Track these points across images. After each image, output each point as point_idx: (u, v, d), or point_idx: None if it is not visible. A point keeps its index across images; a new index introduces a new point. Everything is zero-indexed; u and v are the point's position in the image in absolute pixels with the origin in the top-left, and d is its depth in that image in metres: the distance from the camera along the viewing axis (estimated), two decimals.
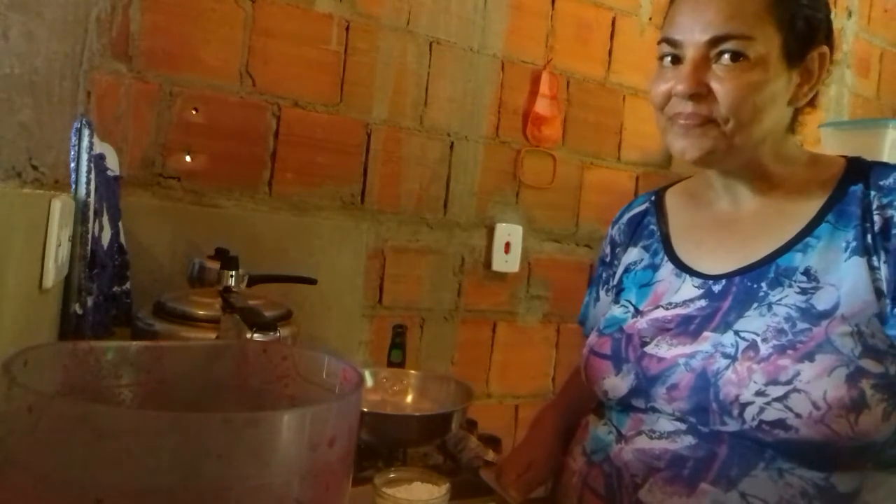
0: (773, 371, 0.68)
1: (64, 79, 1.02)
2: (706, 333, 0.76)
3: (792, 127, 0.82)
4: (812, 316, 0.70)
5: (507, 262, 1.61)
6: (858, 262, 0.71)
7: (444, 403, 1.10)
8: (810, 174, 0.81)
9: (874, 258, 0.71)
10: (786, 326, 0.71)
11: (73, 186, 0.90)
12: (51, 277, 0.77)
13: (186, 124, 1.27)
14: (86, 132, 0.90)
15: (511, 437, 1.60)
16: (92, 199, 0.91)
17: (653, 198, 0.97)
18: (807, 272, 0.74)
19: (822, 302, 0.71)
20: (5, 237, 0.64)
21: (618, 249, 0.98)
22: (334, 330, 1.40)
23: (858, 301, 0.70)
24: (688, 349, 0.76)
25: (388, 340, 1.36)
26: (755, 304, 0.74)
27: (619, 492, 0.76)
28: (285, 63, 1.34)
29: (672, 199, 0.95)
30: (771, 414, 0.67)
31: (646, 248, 0.92)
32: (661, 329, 0.80)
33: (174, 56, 1.25)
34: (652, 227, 0.93)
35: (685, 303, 0.81)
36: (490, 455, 1.04)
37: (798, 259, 0.75)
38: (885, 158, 1.80)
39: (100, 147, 0.99)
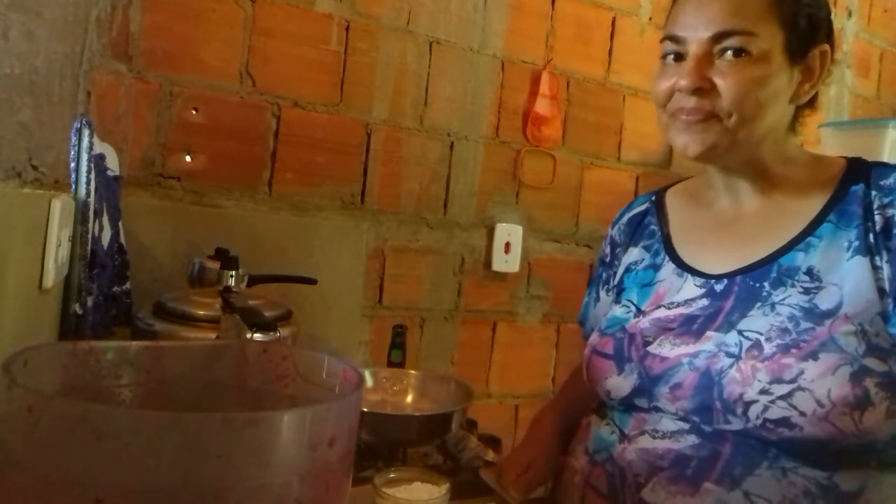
0: (778, 370, 0.68)
1: (64, 79, 1.02)
2: (709, 333, 0.76)
3: (793, 127, 0.83)
4: (815, 315, 0.71)
5: (507, 262, 1.61)
6: (861, 262, 0.72)
7: (444, 403, 1.10)
8: (811, 174, 0.81)
9: (877, 258, 0.71)
10: (789, 326, 0.71)
11: (73, 186, 0.90)
12: (51, 277, 0.77)
13: (186, 124, 1.27)
14: (86, 132, 0.90)
15: (511, 437, 1.60)
16: (92, 199, 0.91)
17: (653, 198, 0.97)
18: (809, 271, 0.74)
19: (825, 301, 0.71)
20: (5, 237, 0.64)
21: (618, 249, 0.98)
22: (334, 330, 1.40)
23: (861, 300, 0.70)
24: (691, 348, 0.76)
25: (388, 340, 1.36)
26: (758, 304, 0.75)
27: (623, 491, 0.76)
28: (285, 63, 1.34)
29: (672, 200, 0.95)
30: (775, 412, 0.68)
31: (646, 249, 0.92)
32: (664, 329, 0.80)
33: (174, 56, 1.25)
34: (652, 227, 0.93)
35: (687, 302, 0.81)
36: (490, 455, 1.04)
37: (800, 258, 0.75)
38: (885, 158, 1.80)
39: (100, 147, 0.99)
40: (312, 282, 1.25)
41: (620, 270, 0.95)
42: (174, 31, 1.24)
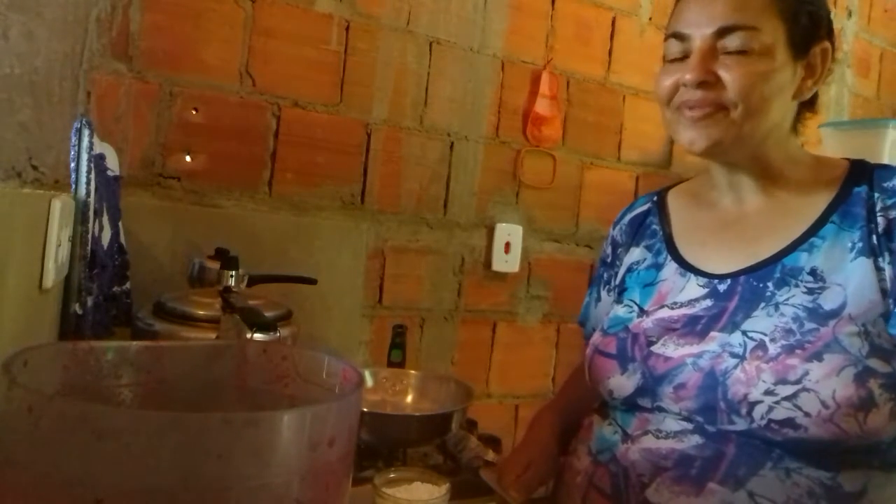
0: (782, 370, 0.68)
1: (64, 79, 1.02)
2: (713, 333, 0.76)
3: (794, 128, 0.84)
4: (819, 316, 0.71)
5: (507, 262, 1.61)
6: (864, 263, 0.72)
7: (444, 403, 1.10)
8: (814, 175, 0.82)
9: (879, 259, 0.72)
10: (793, 326, 0.71)
11: (73, 186, 0.90)
12: (51, 277, 0.77)
13: (186, 124, 1.27)
14: (86, 132, 0.90)
15: (511, 437, 1.60)
16: (92, 199, 0.91)
17: (655, 198, 0.98)
18: (813, 272, 0.74)
19: (828, 302, 0.71)
20: (5, 237, 0.64)
21: (619, 250, 0.98)
22: (334, 330, 1.40)
23: (865, 301, 0.70)
24: (695, 349, 0.76)
25: (388, 340, 1.36)
26: (762, 304, 0.75)
27: (626, 491, 0.76)
28: (285, 63, 1.34)
29: (674, 200, 0.96)
30: (780, 413, 0.68)
31: (648, 248, 0.92)
32: (668, 329, 0.80)
33: (174, 56, 1.25)
34: (654, 226, 0.93)
35: (690, 302, 0.81)
36: (490, 455, 1.04)
37: (804, 259, 0.75)
38: (886, 158, 1.80)
39: (100, 147, 0.99)
40: (312, 282, 1.25)
41: (622, 270, 0.94)
42: (174, 31, 1.24)
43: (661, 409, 0.78)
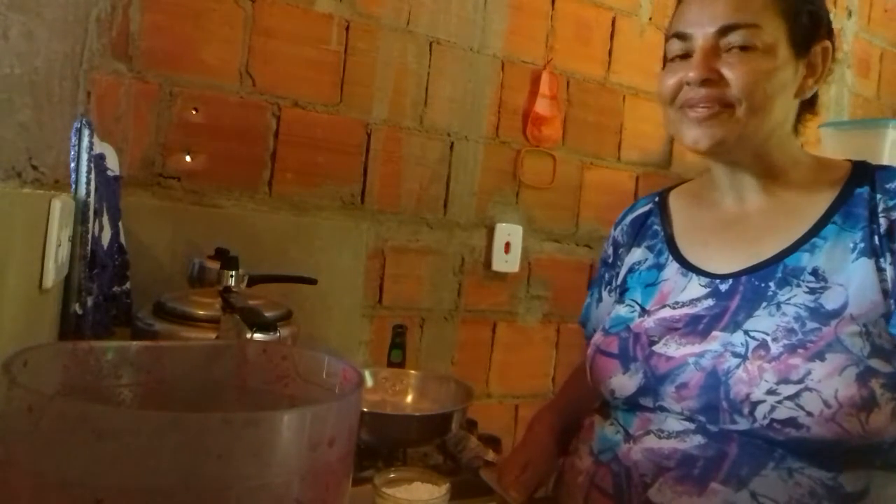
0: (785, 370, 0.69)
1: (64, 79, 1.02)
2: (715, 333, 0.76)
3: (795, 128, 0.84)
4: (821, 315, 0.71)
5: (507, 262, 1.61)
6: (866, 264, 0.72)
7: (444, 403, 1.10)
8: (816, 175, 0.82)
9: (881, 260, 0.72)
10: (795, 326, 0.71)
11: (73, 186, 0.90)
12: (51, 277, 0.77)
13: (186, 124, 1.27)
14: (86, 132, 0.90)
15: (511, 437, 1.60)
16: (92, 199, 0.91)
17: (656, 199, 0.98)
18: (815, 272, 0.74)
19: (830, 301, 0.72)
20: (5, 237, 0.64)
21: (620, 250, 0.98)
22: (334, 330, 1.40)
23: (867, 301, 0.71)
24: (697, 348, 0.76)
25: (388, 340, 1.36)
26: (764, 304, 0.75)
27: (629, 491, 0.76)
28: (285, 63, 1.34)
29: (676, 201, 0.96)
30: (782, 412, 0.68)
31: (650, 249, 0.92)
32: (669, 328, 0.80)
33: (174, 56, 1.25)
34: (656, 227, 0.94)
35: (692, 302, 0.81)
36: (490, 455, 1.04)
37: (805, 259, 0.76)
38: (886, 158, 1.80)
39: (100, 147, 0.99)
40: (312, 282, 1.25)
41: (623, 271, 0.95)
42: (174, 31, 1.24)
43: (662, 409, 0.78)
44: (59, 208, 0.78)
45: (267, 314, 0.96)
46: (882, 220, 0.74)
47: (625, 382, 0.81)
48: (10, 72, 0.74)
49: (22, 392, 0.43)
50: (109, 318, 1.03)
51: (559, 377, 1.71)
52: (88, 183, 0.90)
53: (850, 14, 2.15)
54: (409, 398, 1.16)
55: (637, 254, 0.93)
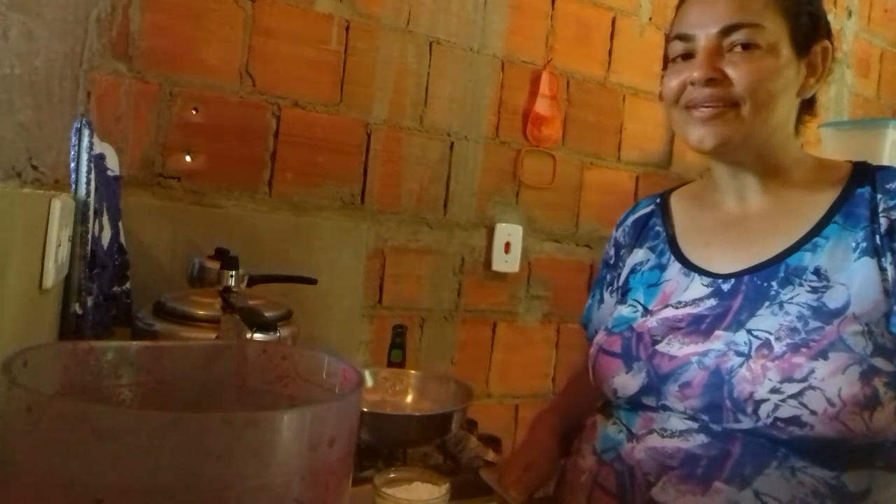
0: (788, 369, 0.69)
1: (64, 79, 1.02)
2: (718, 332, 0.76)
3: (796, 129, 0.85)
4: (824, 314, 0.71)
5: (507, 262, 1.61)
6: (868, 263, 0.73)
7: (444, 403, 1.10)
8: (817, 176, 0.83)
9: (883, 259, 0.72)
10: (798, 325, 0.71)
11: (73, 186, 0.90)
12: (51, 277, 0.77)
13: (186, 124, 1.27)
14: (86, 132, 0.90)
15: (511, 437, 1.60)
16: (92, 199, 0.91)
17: (658, 200, 0.98)
18: (817, 271, 0.75)
19: (833, 300, 0.72)
20: (5, 237, 0.64)
21: (622, 251, 0.98)
22: (334, 330, 1.39)
23: (869, 301, 0.71)
24: (700, 347, 0.76)
25: (388, 340, 1.36)
26: (767, 303, 0.75)
27: (632, 490, 0.76)
28: (285, 63, 1.34)
29: (677, 202, 0.96)
30: (786, 411, 0.68)
31: (651, 249, 0.92)
32: (672, 328, 0.81)
33: (174, 56, 1.25)
34: (657, 228, 0.94)
35: (695, 302, 0.81)
36: (490, 455, 1.04)
37: (807, 258, 0.76)
38: (886, 159, 1.80)
39: (100, 147, 0.99)
40: (312, 282, 1.25)
41: (625, 272, 0.95)
42: (174, 31, 1.24)
43: (665, 408, 0.78)
44: (59, 208, 0.78)
45: (267, 314, 0.96)
46: (882, 220, 0.74)
47: (628, 382, 0.81)
48: (10, 72, 0.74)
49: (22, 392, 0.43)
50: (109, 318, 1.03)
51: (559, 377, 1.71)
52: (88, 183, 0.90)
53: (850, 14, 2.15)
54: (409, 398, 1.16)
55: (639, 255, 0.94)
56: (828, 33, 0.82)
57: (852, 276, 0.73)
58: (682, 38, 0.80)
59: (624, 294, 0.93)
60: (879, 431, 0.67)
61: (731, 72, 0.76)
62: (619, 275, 0.97)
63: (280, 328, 0.98)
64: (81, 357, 0.57)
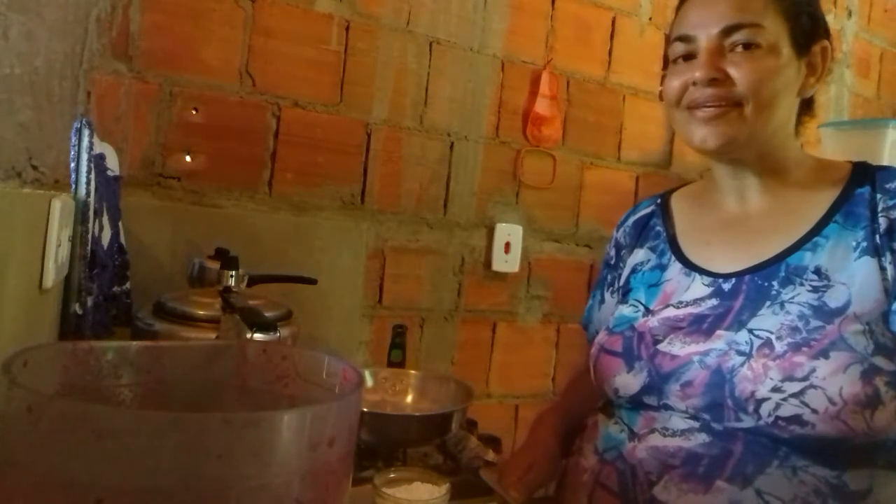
0: (789, 368, 0.69)
1: (64, 79, 1.02)
2: (719, 332, 0.77)
3: (796, 129, 0.85)
4: (825, 314, 0.71)
5: (507, 262, 1.61)
6: (869, 262, 0.73)
7: (444, 403, 1.10)
8: (817, 176, 0.83)
9: (883, 259, 0.73)
10: (799, 324, 0.72)
11: (73, 186, 0.90)
12: (51, 277, 0.77)
13: (186, 124, 1.27)
14: (86, 132, 0.90)
15: (511, 437, 1.60)
16: (92, 199, 0.91)
17: (658, 201, 0.99)
18: (817, 271, 0.75)
19: (833, 299, 0.72)
20: (5, 237, 0.64)
21: (623, 252, 0.98)
22: (334, 330, 1.39)
23: (869, 300, 0.71)
24: (701, 347, 0.77)
25: (388, 340, 1.36)
26: (768, 303, 0.75)
27: (634, 489, 0.77)
28: (285, 63, 1.34)
29: (678, 202, 0.96)
30: (787, 410, 0.68)
31: (652, 249, 0.93)
32: (674, 328, 0.81)
33: (174, 56, 1.25)
34: (658, 228, 0.94)
35: (696, 301, 0.81)
36: (490, 455, 1.04)
37: (808, 258, 0.76)
38: (886, 159, 1.80)
39: (100, 147, 0.99)
40: (312, 282, 1.25)
41: (626, 272, 0.95)
42: (174, 31, 1.24)
43: (667, 408, 0.78)
44: (59, 208, 0.78)
45: (267, 314, 0.96)
46: (882, 220, 0.74)
47: (629, 381, 0.81)
48: (10, 72, 0.74)
49: (22, 392, 0.43)
50: (109, 318, 1.03)
51: (559, 377, 1.71)
52: (88, 183, 0.90)
53: (850, 14, 2.15)
54: (409, 398, 1.16)
55: (640, 255, 0.94)
56: (827, 33, 0.83)
57: (853, 275, 0.73)
58: (684, 39, 0.81)
59: (625, 294, 0.93)
60: (880, 430, 0.67)
61: (733, 71, 0.77)
62: (620, 275, 0.97)
63: (280, 328, 0.98)
64: (81, 357, 0.57)
